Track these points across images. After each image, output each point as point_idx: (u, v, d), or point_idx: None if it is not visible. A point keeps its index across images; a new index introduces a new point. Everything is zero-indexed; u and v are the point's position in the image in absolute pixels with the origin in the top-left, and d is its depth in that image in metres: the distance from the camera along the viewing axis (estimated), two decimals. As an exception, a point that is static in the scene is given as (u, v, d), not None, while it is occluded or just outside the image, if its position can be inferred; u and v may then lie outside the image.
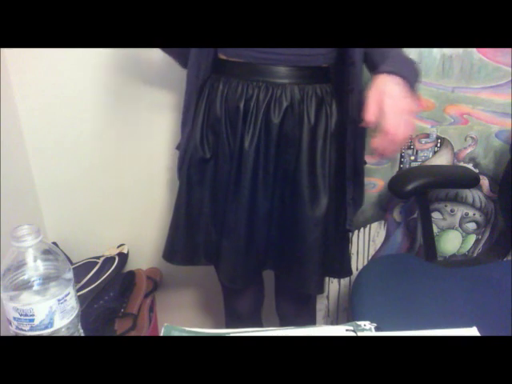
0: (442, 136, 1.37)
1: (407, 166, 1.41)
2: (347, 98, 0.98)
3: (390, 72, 0.82)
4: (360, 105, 0.92)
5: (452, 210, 1.45)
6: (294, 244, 1.03)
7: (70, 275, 0.63)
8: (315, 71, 0.99)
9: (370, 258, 1.52)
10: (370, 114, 0.80)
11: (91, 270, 1.30)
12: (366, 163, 1.09)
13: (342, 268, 1.10)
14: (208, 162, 1.03)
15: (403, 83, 0.81)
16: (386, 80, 0.81)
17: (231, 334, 0.65)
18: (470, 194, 1.43)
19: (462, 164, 1.40)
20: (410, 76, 0.84)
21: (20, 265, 0.61)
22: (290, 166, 1.00)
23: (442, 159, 1.40)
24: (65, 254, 0.70)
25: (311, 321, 1.26)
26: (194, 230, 1.07)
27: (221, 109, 1.00)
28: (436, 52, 1.28)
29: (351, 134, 0.99)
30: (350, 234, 1.45)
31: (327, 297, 1.59)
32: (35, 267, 0.61)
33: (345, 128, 1.00)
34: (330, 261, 1.07)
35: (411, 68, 0.89)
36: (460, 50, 1.28)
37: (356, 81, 0.96)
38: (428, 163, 1.41)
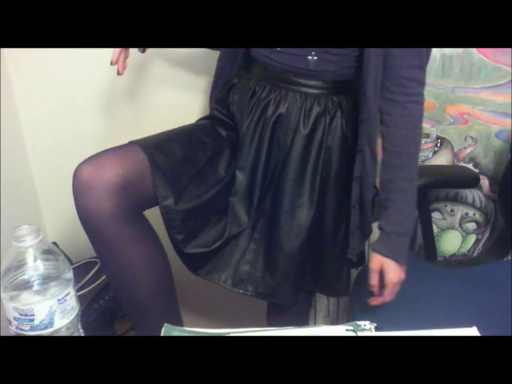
0: (442, 136, 1.37)
1: (407, 165, 1.41)
2: (359, 126, 0.97)
3: (386, 255, 0.99)
4: (370, 135, 0.95)
5: (452, 210, 1.45)
6: (270, 250, 1.01)
7: (70, 275, 0.63)
8: (323, 84, 0.98)
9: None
10: (373, 283, 1.00)
11: (91, 269, 1.30)
12: (377, 195, 1.05)
13: (335, 287, 1.08)
14: (216, 125, 1.06)
15: (397, 264, 0.99)
16: (382, 262, 0.99)
17: (231, 334, 0.65)
18: (470, 193, 1.43)
19: (462, 164, 1.40)
20: (403, 250, 1.00)
21: (20, 265, 0.61)
22: (277, 170, 1.00)
23: (442, 159, 1.40)
24: (65, 254, 0.70)
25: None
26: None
27: (234, 94, 1.06)
28: (436, 52, 1.28)
29: (359, 163, 0.98)
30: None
31: (327, 297, 1.59)
32: (35, 267, 0.61)
33: (353, 153, 0.99)
34: (323, 277, 1.07)
35: (408, 226, 1.01)
36: (460, 50, 1.27)
37: (367, 111, 0.94)
38: (428, 163, 1.40)
